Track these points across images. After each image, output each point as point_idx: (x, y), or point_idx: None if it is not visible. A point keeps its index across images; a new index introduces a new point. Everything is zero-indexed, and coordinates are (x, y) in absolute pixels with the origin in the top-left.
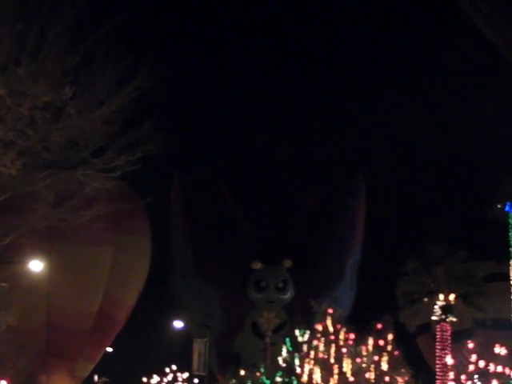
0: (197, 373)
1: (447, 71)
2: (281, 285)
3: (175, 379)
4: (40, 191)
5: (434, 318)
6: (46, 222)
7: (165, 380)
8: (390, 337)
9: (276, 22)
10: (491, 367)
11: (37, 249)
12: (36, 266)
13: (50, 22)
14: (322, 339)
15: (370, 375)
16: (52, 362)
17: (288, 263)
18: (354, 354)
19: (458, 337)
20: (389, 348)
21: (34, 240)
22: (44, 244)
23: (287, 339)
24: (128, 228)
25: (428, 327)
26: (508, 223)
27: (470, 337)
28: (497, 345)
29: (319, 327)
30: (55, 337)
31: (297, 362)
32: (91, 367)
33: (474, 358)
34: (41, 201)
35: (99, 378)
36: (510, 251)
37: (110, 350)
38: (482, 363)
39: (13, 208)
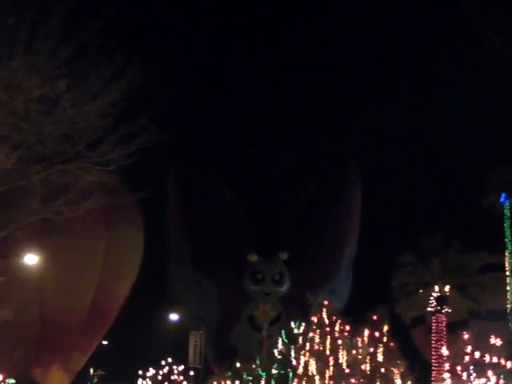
0: (192, 365)
1: (442, 68)
2: (277, 277)
3: (171, 372)
4: (35, 185)
5: (429, 309)
6: (41, 215)
7: (160, 372)
8: (386, 328)
9: (274, 17)
10: (486, 358)
11: (31, 243)
12: (31, 259)
13: (43, 16)
14: (318, 331)
15: (366, 367)
16: (46, 355)
17: (284, 256)
18: (350, 346)
19: (454, 328)
20: (384, 339)
21: (29, 234)
22: (36, 238)
23: (283, 331)
24: (120, 220)
25: (422, 319)
26: (503, 214)
27: (466, 328)
28: (492, 336)
29: (315, 319)
30: (48, 330)
31: (292, 354)
32: (85, 359)
33: (469, 349)
34: (36, 194)
35: (95, 370)
36: (504, 242)
37: (105, 342)
38: (477, 354)
39: (8, 201)
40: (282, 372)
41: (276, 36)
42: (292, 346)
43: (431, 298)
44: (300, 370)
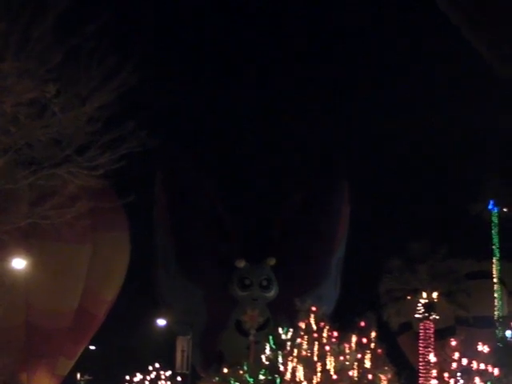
0: (180, 370)
1: (435, 72)
2: (265, 283)
3: (158, 377)
4: (23, 188)
5: (417, 315)
6: (30, 219)
7: (148, 378)
8: (373, 334)
9: (271, 19)
10: (474, 365)
11: (19, 247)
12: (18, 263)
13: (34, 19)
14: (306, 337)
15: (353, 373)
16: (32, 360)
17: (272, 261)
18: (338, 352)
19: (441, 334)
20: (372, 346)
21: (17, 238)
22: (24, 242)
23: (270, 337)
24: (105, 224)
25: (410, 325)
26: (491, 221)
27: (453, 335)
28: (479, 342)
29: (302, 325)
30: (35, 335)
31: (280, 359)
32: (71, 364)
33: (456, 355)
34: (24, 198)
35: (82, 375)
36: (492, 249)
37: (92, 348)
38: (464, 361)
39: None
40: (270, 378)
41: (274, 37)
42: (279, 352)
43: (419, 304)
44: (287, 376)
